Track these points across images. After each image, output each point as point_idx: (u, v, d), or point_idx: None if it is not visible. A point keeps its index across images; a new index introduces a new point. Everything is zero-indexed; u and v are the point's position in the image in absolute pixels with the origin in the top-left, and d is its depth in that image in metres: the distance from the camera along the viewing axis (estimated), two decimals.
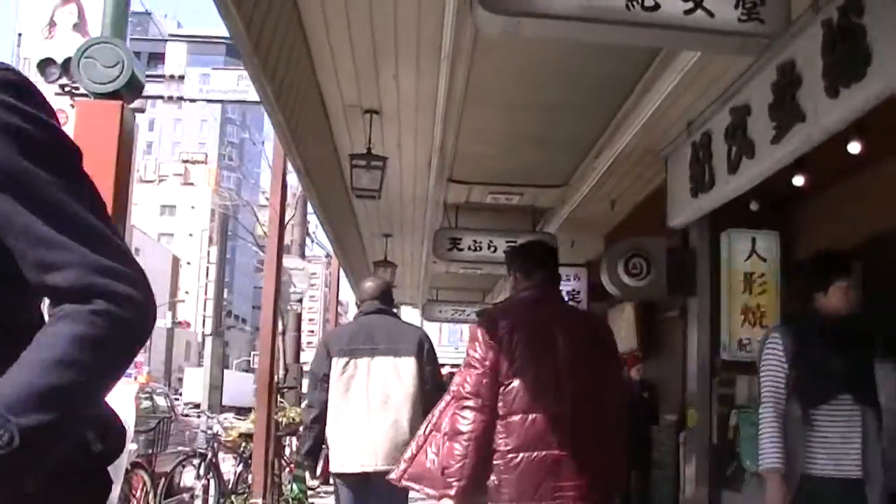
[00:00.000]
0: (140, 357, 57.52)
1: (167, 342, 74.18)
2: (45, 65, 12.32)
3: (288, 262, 11.55)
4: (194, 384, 27.11)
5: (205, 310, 75.38)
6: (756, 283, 6.49)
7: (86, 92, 3.61)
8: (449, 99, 6.27)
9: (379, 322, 4.60)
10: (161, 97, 15.11)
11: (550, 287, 3.31)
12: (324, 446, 4.43)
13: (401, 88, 6.41)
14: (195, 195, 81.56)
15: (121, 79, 3.50)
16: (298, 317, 12.69)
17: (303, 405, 4.86)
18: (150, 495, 6.53)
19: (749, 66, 4.85)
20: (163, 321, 58.87)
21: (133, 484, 6.12)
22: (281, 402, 9.58)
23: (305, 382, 7.06)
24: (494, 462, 2.93)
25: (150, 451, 6.72)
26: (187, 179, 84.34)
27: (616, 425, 3.15)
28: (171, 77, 13.73)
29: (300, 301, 11.78)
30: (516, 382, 2.97)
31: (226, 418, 8.12)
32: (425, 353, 4.52)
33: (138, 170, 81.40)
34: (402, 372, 4.41)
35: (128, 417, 8.72)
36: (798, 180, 5.79)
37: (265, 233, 11.31)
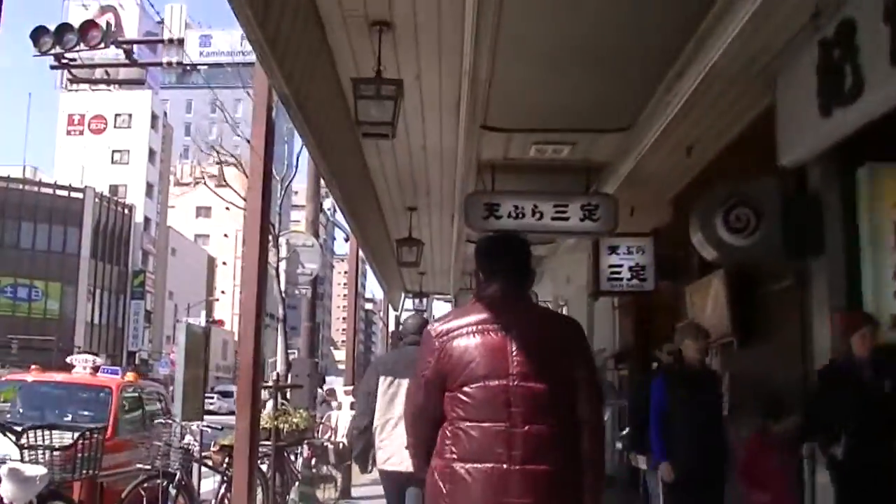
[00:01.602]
0: (174, 354, 56.79)
1: (205, 341, 73.80)
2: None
3: (294, 237, 9.94)
4: None
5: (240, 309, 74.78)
6: None
7: None
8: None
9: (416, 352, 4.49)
10: (160, 64, 13.48)
11: (513, 288, 2.95)
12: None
13: None
14: (230, 196, 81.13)
15: None
16: (313, 305, 11.07)
17: (354, 413, 5.77)
18: None
19: None
20: (197, 320, 58.05)
21: None
22: (283, 405, 7.91)
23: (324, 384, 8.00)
24: (442, 469, 2.84)
25: (75, 474, 5.05)
26: (221, 181, 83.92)
27: (587, 446, 2.85)
28: (171, 42, 12.09)
29: (313, 281, 10.13)
30: (465, 389, 2.82)
31: (206, 427, 6.47)
32: None
33: (174, 172, 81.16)
34: None
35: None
36: None
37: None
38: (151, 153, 60.89)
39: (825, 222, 4.94)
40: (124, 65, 12.69)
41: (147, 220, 59.48)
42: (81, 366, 8.26)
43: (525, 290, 3.02)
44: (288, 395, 8.64)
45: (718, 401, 6.06)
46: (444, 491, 2.80)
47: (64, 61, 11.86)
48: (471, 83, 5.71)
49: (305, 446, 8.40)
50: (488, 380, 2.78)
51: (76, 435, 5.02)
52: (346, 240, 15.12)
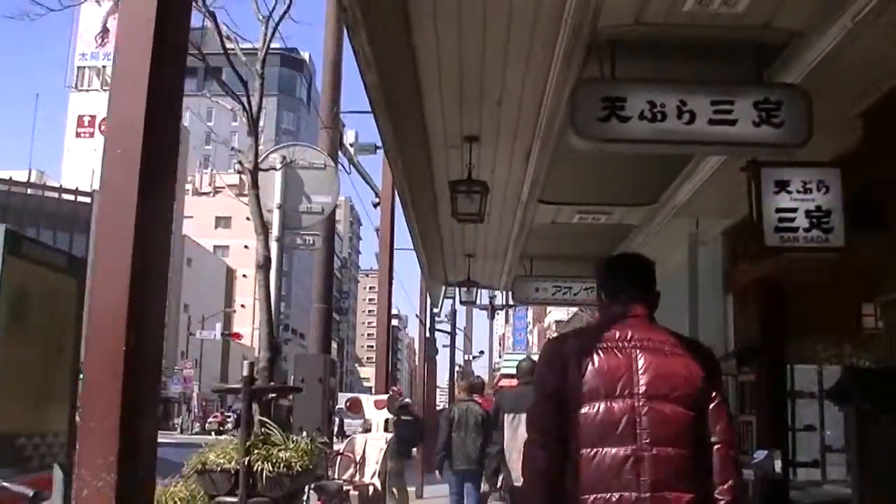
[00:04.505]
0: (189, 370, 54.14)
1: (222, 355, 71.09)
2: None
3: (296, 153, 6.54)
4: None
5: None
6: None
7: None
8: None
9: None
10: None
11: (639, 308, 2.84)
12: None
13: None
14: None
15: None
16: (328, 276, 7.96)
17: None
18: None
19: None
20: (213, 333, 55.42)
21: None
22: (265, 427, 4.78)
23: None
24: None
25: None
26: (242, 190, 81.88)
27: (719, 469, 2.67)
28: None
29: (329, 228, 7.03)
30: (584, 411, 2.67)
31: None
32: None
33: (193, 181, 79.21)
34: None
35: None
36: None
37: None
38: None
39: None
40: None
41: None
42: None
43: (650, 310, 2.89)
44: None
45: None
46: None
47: None
48: None
49: (312, 494, 5.40)
50: (612, 399, 2.66)
51: None
52: (376, 205, 12.17)
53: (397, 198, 13.21)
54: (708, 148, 5.21)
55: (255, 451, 4.50)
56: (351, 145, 11.29)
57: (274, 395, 5.26)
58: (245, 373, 4.73)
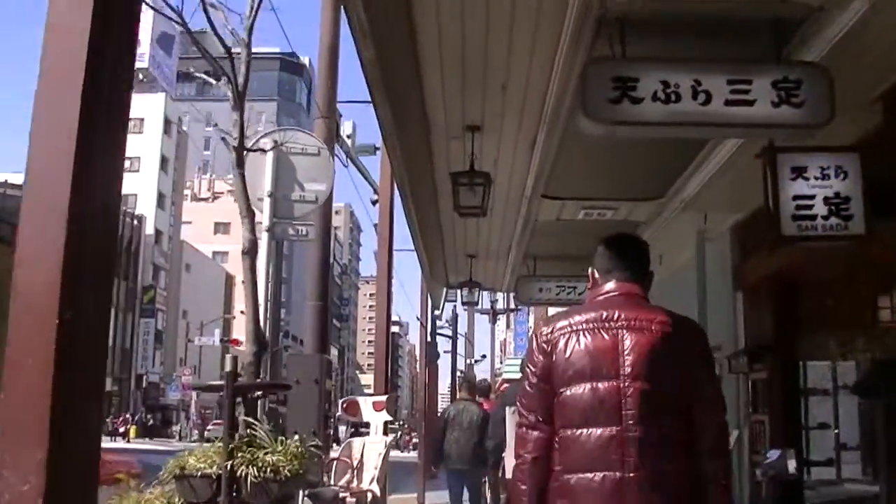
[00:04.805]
0: (187, 377, 53.70)
1: (220, 362, 70.44)
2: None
3: (287, 137, 6.18)
4: None
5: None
6: None
7: None
8: None
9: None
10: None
11: (630, 286, 2.86)
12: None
13: None
14: None
15: None
16: (324, 270, 7.60)
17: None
18: None
19: None
20: (211, 339, 55.03)
21: None
22: (250, 429, 4.43)
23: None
24: (551, 484, 2.67)
25: None
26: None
27: (709, 447, 2.66)
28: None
29: (325, 219, 6.54)
30: (570, 392, 2.69)
31: None
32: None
33: (191, 187, 78.97)
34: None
35: None
36: None
37: None
38: (164, 161, 58.06)
39: None
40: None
41: (158, 232, 56.64)
42: None
43: (643, 289, 2.90)
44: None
45: None
46: None
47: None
48: None
49: (307, 501, 5.08)
50: (597, 380, 2.67)
51: None
52: (375, 202, 11.83)
53: (396, 197, 12.97)
54: (725, 130, 4.94)
55: (239, 455, 4.11)
56: (348, 137, 10.95)
57: (260, 393, 4.91)
58: (228, 367, 4.29)
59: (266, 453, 4.16)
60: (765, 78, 4.68)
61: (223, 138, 5.32)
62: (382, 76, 5.04)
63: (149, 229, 54.53)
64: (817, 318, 7.93)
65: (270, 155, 6.28)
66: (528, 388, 2.80)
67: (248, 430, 4.29)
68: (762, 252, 7.85)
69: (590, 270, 3.00)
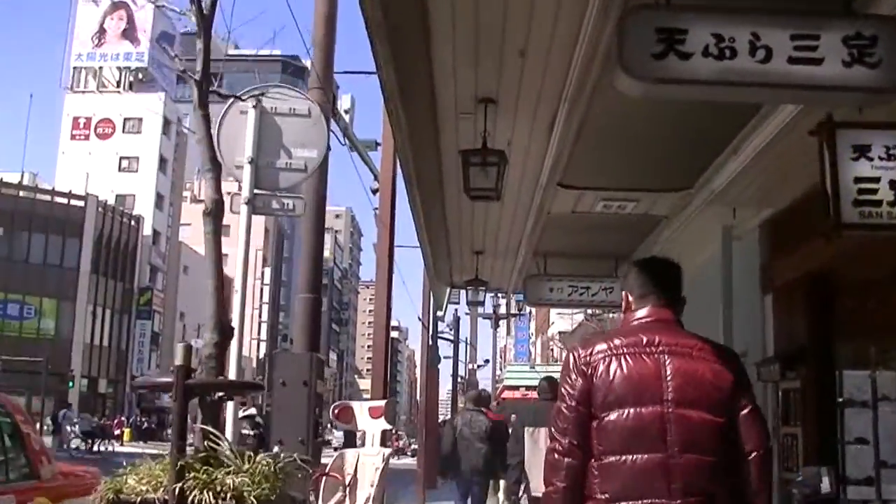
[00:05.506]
0: None
1: None
2: None
3: (274, 100, 5.28)
4: None
5: (259, 333, 71.40)
6: None
7: None
8: None
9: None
10: None
11: (666, 312, 2.86)
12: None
13: None
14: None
15: None
16: (317, 252, 6.88)
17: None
18: None
19: None
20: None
21: None
22: (210, 440, 3.62)
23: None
24: None
25: None
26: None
27: (754, 476, 2.66)
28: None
29: (318, 198, 5.75)
30: (611, 417, 2.65)
31: None
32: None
33: (191, 188, 78.58)
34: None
35: None
36: None
37: None
38: (163, 161, 57.55)
39: None
40: None
41: (156, 233, 56.13)
42: None
43: (677, 315, 2.91)
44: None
45: None
46: None
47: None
48: None
49: None
50: (640, 405, 2.65)
51: None
52: (375, 191, 11.08)
53: (398, 195, 12.31)
54: (787, 93, 4.23)
55: (192, 475, 3.29)
56: (346, 112, 10.11)
57: (222, 393, 4.11)
58: (179, 360, 3.47)
59: (227, 473, 3.33)
60: (835, 33, 4.02)
61: (184, 71, 4.47)
62: (388, 35, 4.33)
63: (146, 230, 54.02)
64: (857, 322, 7.35)
65: (252, 114, 5.40)
66: (564, 410, 2.73)
67: (207, 443, 3.47)
68: (797, 249, 7.26)
69: (623, 293, 2.99)
